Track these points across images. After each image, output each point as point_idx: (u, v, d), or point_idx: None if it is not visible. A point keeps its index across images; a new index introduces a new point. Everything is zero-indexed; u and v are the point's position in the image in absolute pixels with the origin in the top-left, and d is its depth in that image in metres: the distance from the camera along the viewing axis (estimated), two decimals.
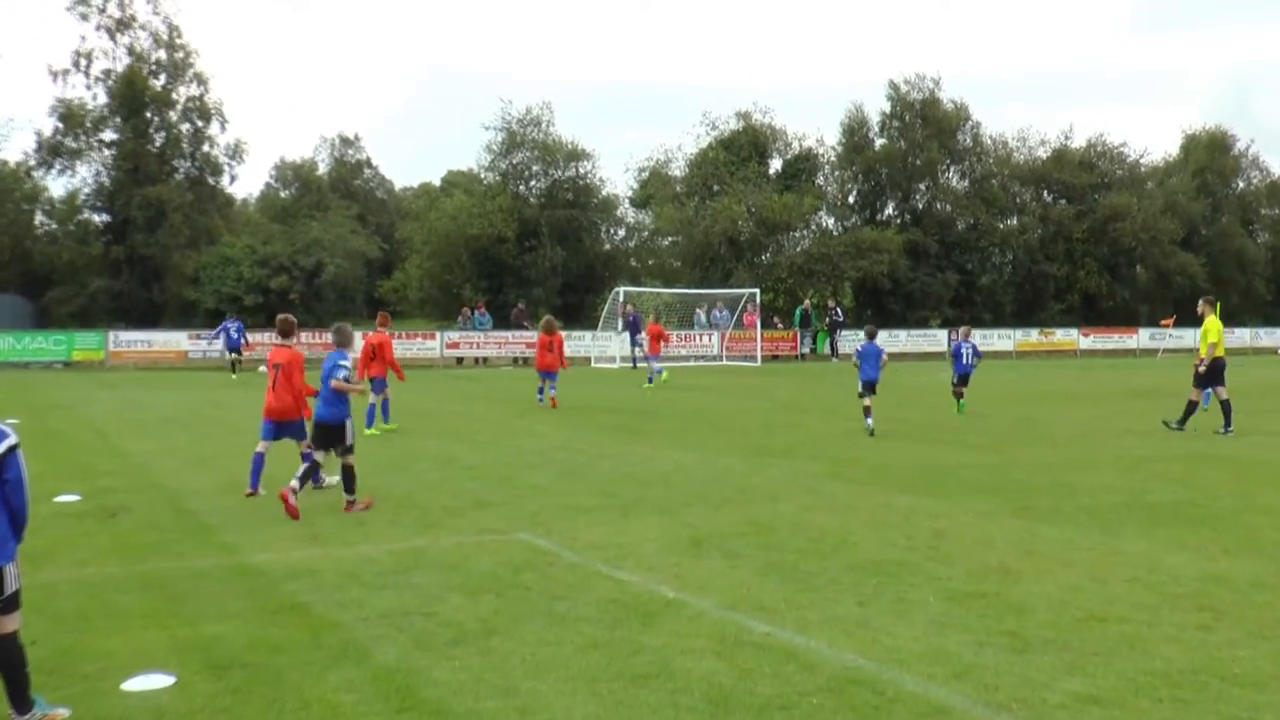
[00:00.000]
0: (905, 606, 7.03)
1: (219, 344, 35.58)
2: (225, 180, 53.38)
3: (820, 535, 9.20)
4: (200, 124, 50.76)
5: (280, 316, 11.91)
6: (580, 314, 47.65)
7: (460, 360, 39.17)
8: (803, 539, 9.06)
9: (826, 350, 43.09)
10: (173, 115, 49.86)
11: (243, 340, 33.51)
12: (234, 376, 30.70)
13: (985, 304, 52.88)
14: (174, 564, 8.22)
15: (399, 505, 10.64)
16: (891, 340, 44.62)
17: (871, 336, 17.99)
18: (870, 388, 17.22)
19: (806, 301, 45.22)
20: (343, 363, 10.67)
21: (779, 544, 8.86)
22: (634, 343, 35.69)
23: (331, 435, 10.49)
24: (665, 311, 45.30)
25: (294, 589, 7.45)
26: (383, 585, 7.55)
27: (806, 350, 43.39)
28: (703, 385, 28.58)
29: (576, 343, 39.38)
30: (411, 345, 38.13)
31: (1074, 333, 48.91)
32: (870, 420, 16.95)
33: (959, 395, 20.48)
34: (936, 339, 46.04)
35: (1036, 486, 11.92)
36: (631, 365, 35.46)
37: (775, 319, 45.83)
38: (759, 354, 40.65)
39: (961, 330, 21.51)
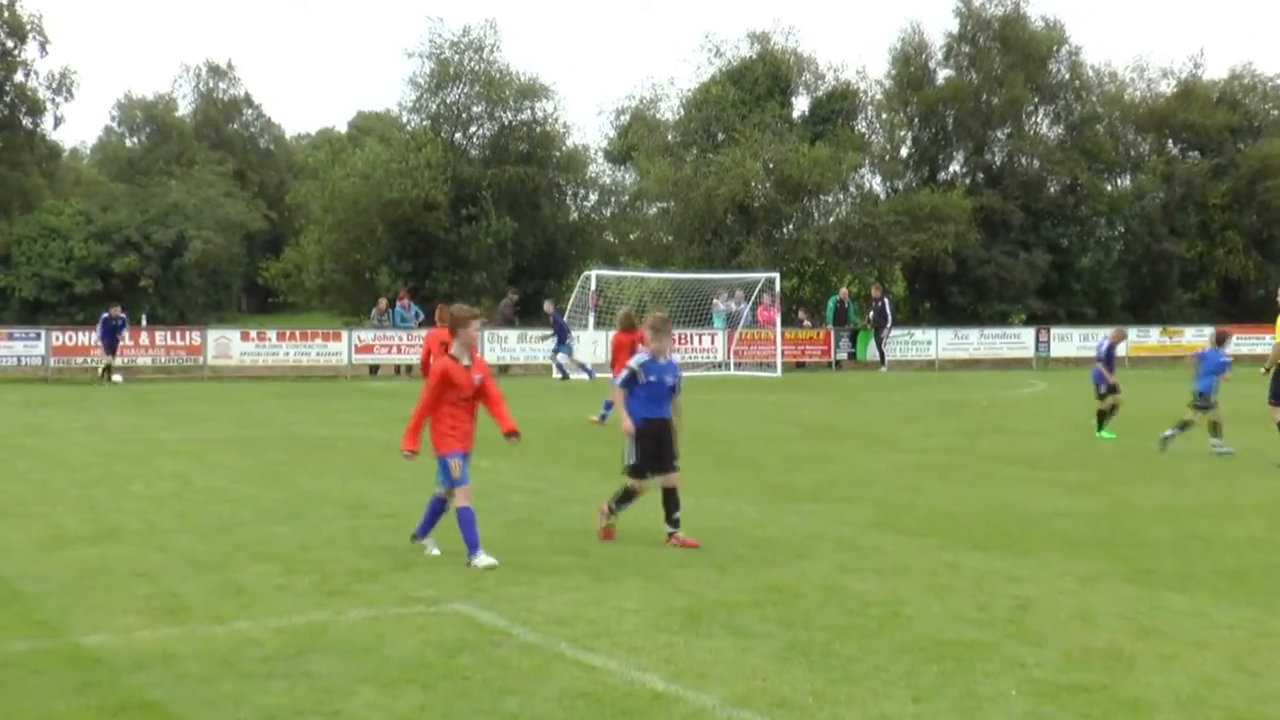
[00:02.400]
0: (977, 703, 7.06)
1: (37, 348, 35.88)
2: (47, 122, 53.25)
3: (862, 606, 9.24)
4: (10, 44, 50.51)
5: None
6: (537, 306, 47.62)
7: (375, 369, 39.07)
8: (838, 611, 9.09)
9: (870, 355, 43.27)
10: None
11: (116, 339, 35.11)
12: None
13: (1086, 293, 53.11)
14: None
15: (290, 566, 10.61)
16: (958, 343, 44.88)
17: (1217, 342, 20.15)
18: (1199, 398, 19.14)
19: (844, 290, 45.37)
20: (636, 364, 11.81)
21: (806, 618, 8.89)
22: (560, 348, 35.67)
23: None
24: (653, 303, 45.30)
25: (144, 682, 7.41)
26: (267, 675, 7.52)
27: (843, 355, 43.56)
28: (703, 402, 28.57)
29: (533, 347, 39.39)
30: (309, 349, 38.02)
31: (1209, 332, 49.14)
32: (1172, 432, 19.06)
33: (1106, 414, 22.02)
34: (1020, 341, 46.11)
35: (1157, 541, 11.98)
36: (561, 376, 35.53)
37: (800, 314, 45.95)
38: (779, 361, 40.75)
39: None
